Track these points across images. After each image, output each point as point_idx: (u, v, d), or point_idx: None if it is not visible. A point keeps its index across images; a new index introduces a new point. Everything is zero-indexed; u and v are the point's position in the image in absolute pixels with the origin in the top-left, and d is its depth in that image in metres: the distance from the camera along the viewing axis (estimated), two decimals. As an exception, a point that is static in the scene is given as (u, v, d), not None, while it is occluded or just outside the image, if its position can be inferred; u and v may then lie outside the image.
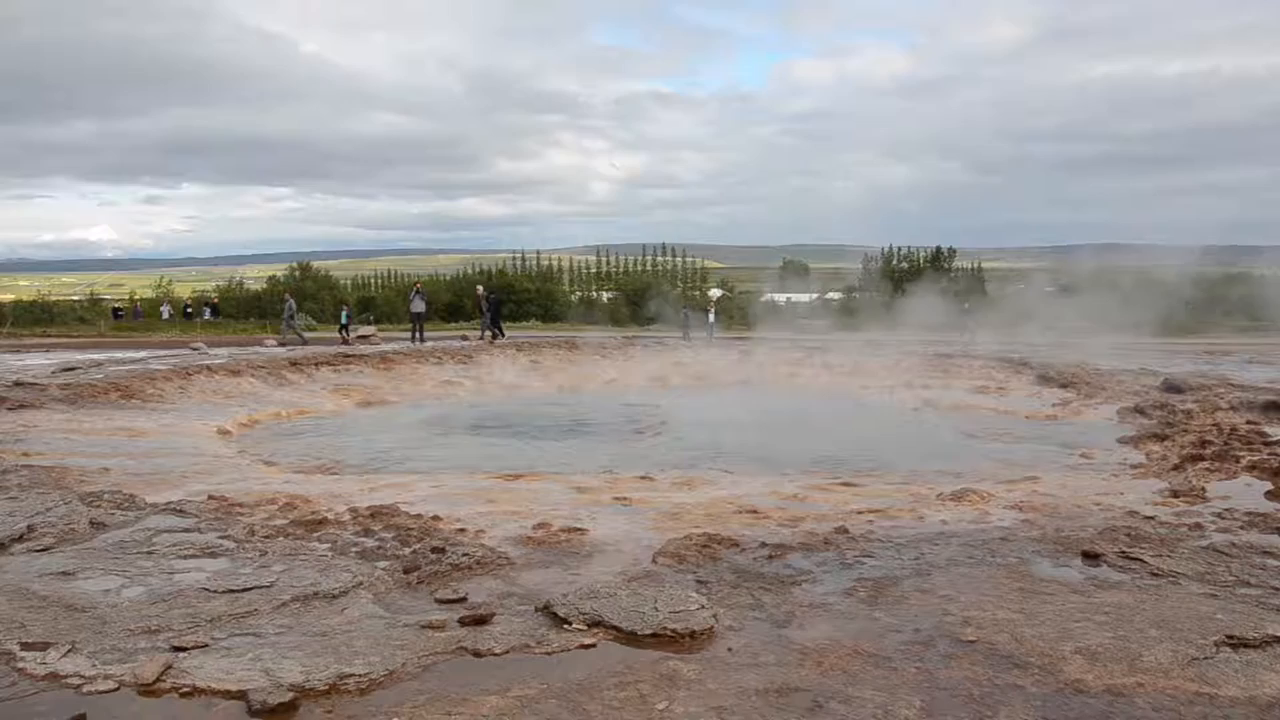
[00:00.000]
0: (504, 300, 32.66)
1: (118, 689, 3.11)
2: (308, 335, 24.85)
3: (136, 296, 42.93)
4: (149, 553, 4.75)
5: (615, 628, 3.68)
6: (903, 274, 48.44)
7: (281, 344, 22.10)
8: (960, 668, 3.31)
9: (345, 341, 23.81)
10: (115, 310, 38.19)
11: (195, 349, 20.11)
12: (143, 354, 18.13)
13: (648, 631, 3.64)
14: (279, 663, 3.30)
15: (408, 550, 4.92)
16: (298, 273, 49.72)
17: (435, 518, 5.77)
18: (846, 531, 5.37)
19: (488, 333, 23.72)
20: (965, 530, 5.49)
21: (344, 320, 26.27)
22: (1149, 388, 13.67)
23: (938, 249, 53.37)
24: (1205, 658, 3.36)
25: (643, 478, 8.01)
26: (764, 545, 5.04)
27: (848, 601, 4.10)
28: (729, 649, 3.51)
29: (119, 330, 30.58)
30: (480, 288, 28.39)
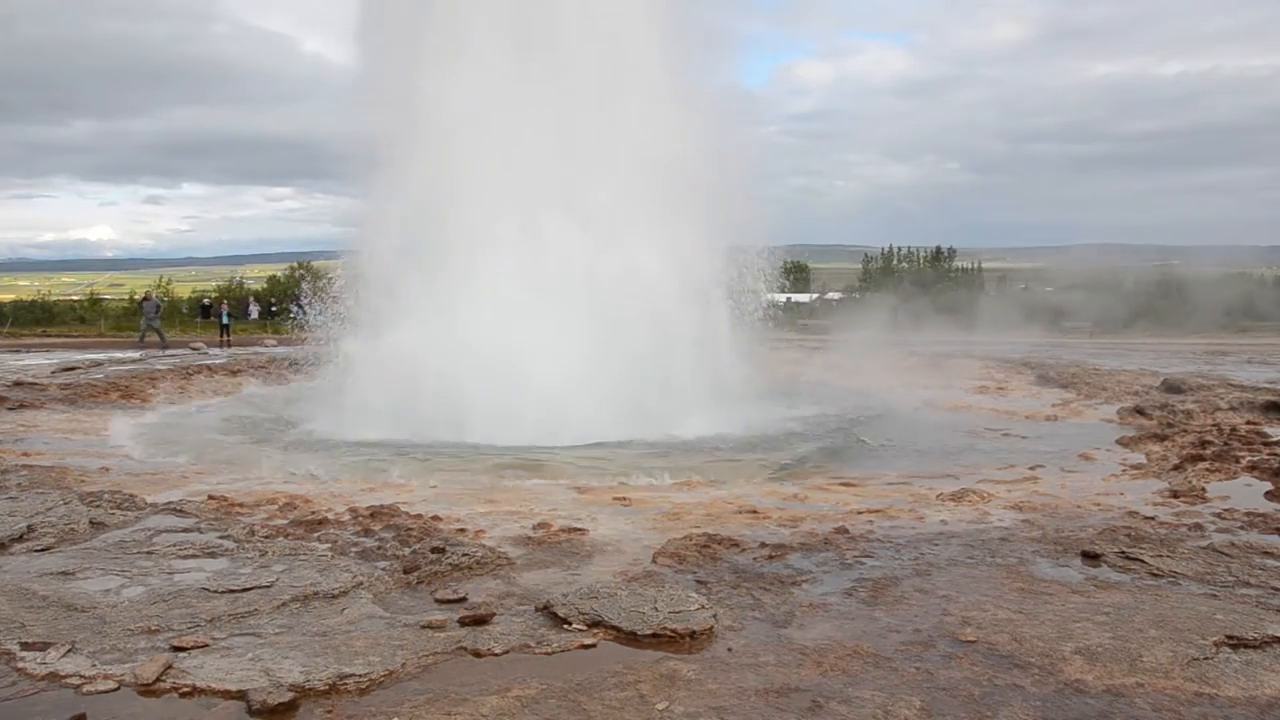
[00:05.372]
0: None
1: (118, 689, 3.11)
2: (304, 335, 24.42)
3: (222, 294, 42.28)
4: (149, 553, 4.75)
5: (615, 628, 3.67)
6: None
7: (142, 347, 20.85)
8: (960, 668, 3.31)
9: (225, 344, 22.23)
10: (204, 307, 37.60)
11: (195, 349, 20.13)
12: (141, 354, 18.13)
13: (648, 631, 3.63)
14: (279, 662, 3.30)
15: (408, 550, 4.91)
16: (299, 272, 49.57)
17: (435, 518, 5.77)
18: (846, 531, 5.37)
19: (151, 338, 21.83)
20: (965, 530, 5.49)
21: (224, 320, 24.36)
22: (1149, 388, 13.67)
23: (938, 249, 53.32)
24: (1205, 658, 3.36)
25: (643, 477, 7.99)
26: (764, 545, 5.04)
27: (848, 602, 4.10)
28: (729, 649, 3.51)
29: (120, 330, 30.54)
30: (144, 291, 24.81)
